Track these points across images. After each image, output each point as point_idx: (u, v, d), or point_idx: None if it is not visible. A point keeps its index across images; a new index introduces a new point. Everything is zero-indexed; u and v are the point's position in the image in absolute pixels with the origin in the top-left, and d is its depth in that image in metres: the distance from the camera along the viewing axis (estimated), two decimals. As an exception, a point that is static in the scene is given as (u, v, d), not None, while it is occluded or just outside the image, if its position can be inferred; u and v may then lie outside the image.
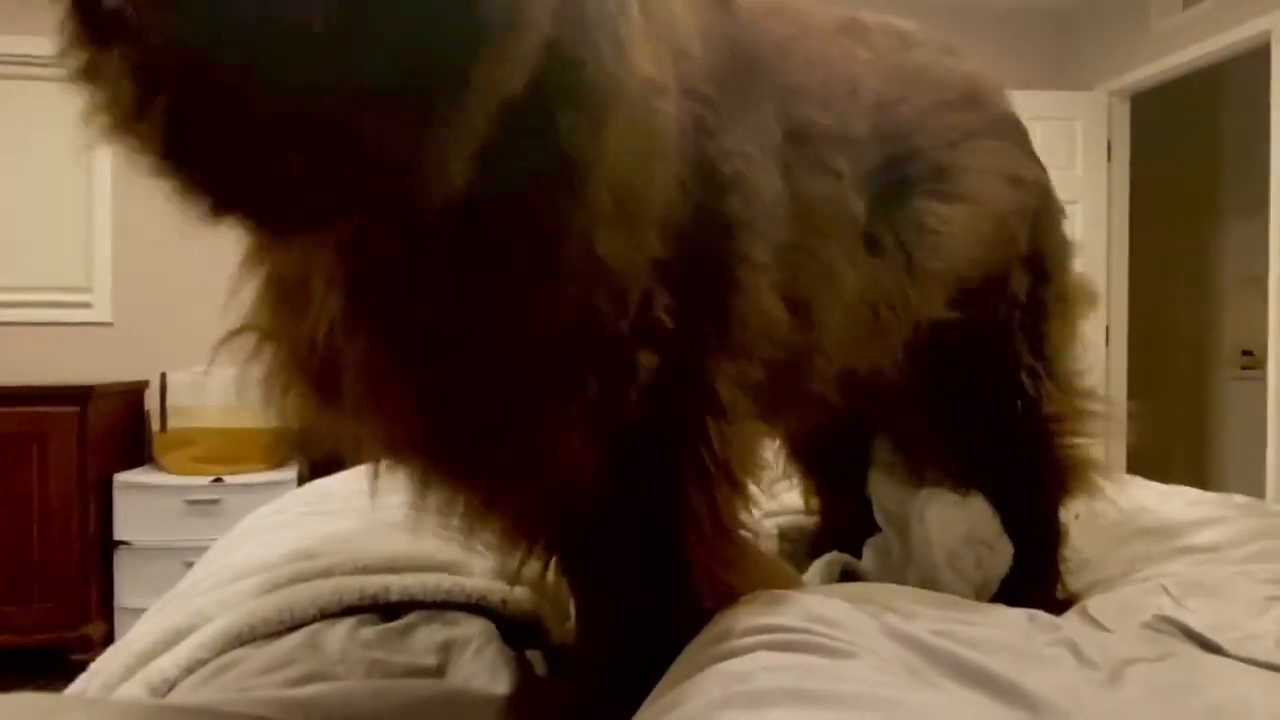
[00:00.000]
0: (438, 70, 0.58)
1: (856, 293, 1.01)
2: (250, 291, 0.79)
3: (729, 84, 0.86)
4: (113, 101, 0.62)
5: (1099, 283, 3.57)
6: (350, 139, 0.58)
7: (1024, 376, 1.22)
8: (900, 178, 1.06)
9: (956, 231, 1.09)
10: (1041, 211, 1.25)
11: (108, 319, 3.75)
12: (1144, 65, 4.17)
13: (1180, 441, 4.95)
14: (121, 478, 3.31)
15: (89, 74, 0.62)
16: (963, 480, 1.29)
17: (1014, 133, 1.24)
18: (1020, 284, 1.22)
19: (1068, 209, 1.35)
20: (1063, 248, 1.30)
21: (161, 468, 3.42)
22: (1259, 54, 3.63)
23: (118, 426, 3.50)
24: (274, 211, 0.62)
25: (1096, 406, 1.32)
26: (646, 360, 0.78)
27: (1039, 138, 1.33)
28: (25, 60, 3.49)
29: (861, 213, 1.00)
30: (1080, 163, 4.20)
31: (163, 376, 3.43)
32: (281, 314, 0.79)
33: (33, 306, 3.69)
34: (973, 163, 1.13)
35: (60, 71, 0.66)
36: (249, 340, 0.82)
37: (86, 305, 3.75)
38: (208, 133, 0.59)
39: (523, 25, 0.60)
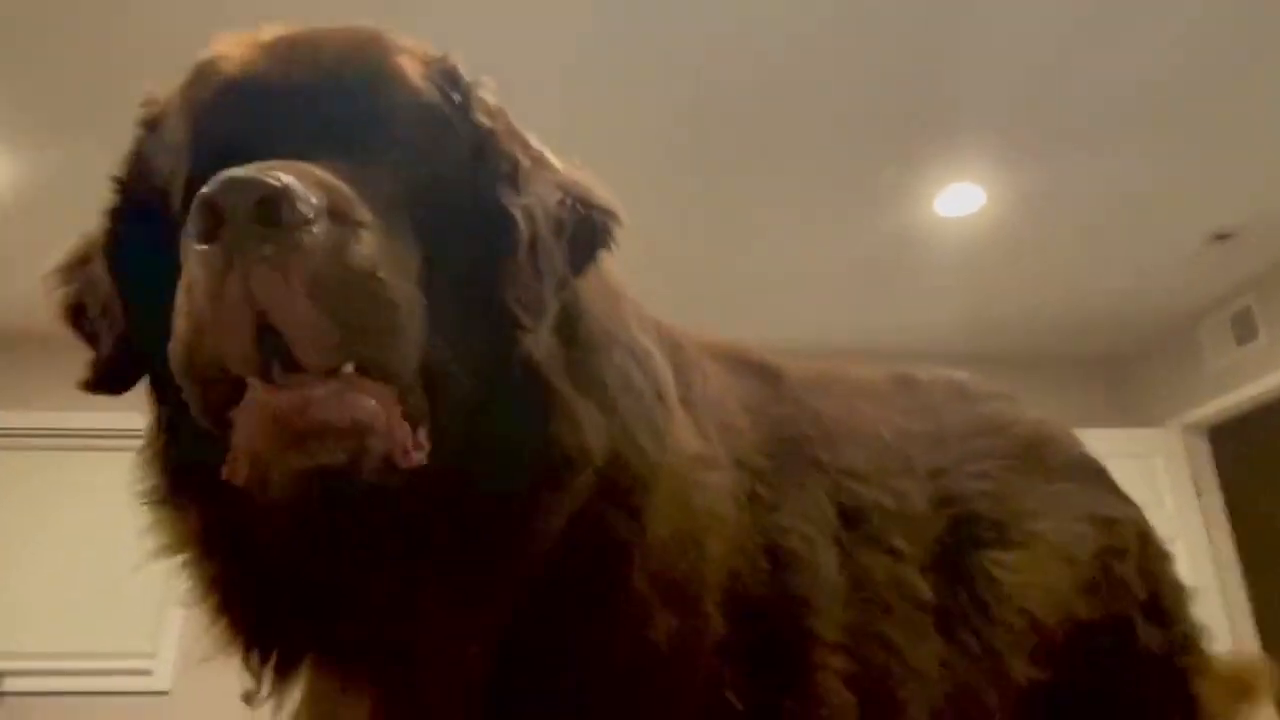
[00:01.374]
0: (505, 511, 0.65)
1: (935, 669, 0.92)
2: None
3: (780, 461, 0.87)
4: (177, 537, 0.69)
5: (1219, 628, 3.23)
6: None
7: None
8: (966, 537, 0.99)
9: (1032, 579, 0.99)
10: (1146, 552, 1.13)
11: (165, 687, 3.65)
12: (1209, 401, 4.14)
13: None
14: None
15: (161, 523, 0.69)
16: None
17: (1091, 474, 1.16)
18: (1152, 637, 1.07)
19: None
20: (1175, 593, 1.14)
21: None
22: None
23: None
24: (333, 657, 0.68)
25: None
26: None
27: (1116, 476, 1.23)
28: (113, 434, 3.59)
29: (926, 590, 0.93)
30: (1169, 500, 4.02)
31: (211, 751, 3.25)
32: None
33: (91, 674, 3.63)
34: (1044, 508, 1.05)
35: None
36: None
37: (147, 673, 3.67)
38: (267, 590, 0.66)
39: (586, 462, 0.66)
